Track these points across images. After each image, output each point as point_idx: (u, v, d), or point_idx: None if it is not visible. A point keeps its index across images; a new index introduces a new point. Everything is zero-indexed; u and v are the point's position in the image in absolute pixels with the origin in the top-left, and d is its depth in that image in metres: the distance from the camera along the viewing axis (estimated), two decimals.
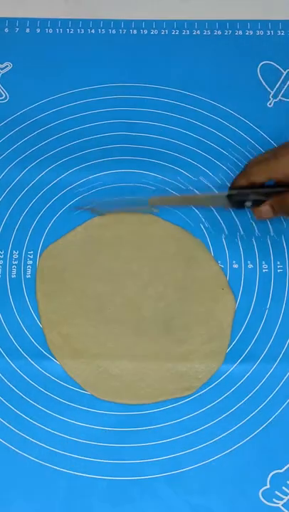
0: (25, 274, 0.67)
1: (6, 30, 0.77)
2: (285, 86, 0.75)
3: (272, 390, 0.63)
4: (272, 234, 0.69)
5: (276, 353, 0.64)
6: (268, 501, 0.60)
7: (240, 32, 0.77)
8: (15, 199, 0.70)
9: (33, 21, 0.78)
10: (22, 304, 0.66)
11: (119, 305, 0.65)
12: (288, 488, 0.60)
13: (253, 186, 0.64)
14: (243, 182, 0.65)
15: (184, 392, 0.62)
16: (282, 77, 0.76)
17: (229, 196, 0.65)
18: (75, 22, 0.78)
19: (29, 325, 0.65)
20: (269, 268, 0.68)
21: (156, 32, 0.77)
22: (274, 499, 0.60)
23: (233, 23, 0.78)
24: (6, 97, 0.75)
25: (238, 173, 0.67)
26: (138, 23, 0.78)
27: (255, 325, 0.65)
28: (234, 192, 0.65)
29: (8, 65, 0.76)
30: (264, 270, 0.68)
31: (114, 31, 0.77)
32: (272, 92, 0.75)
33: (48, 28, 0.77)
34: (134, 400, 0.62)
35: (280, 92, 0.75)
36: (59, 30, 0.77)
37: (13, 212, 0.70)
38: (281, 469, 0.61)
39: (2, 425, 0.62)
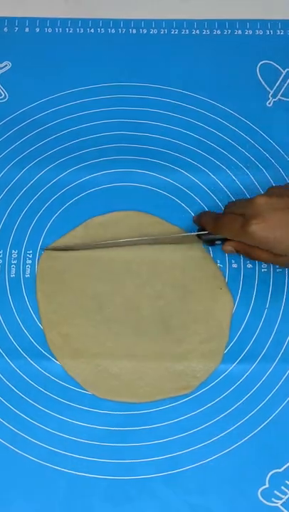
0: (24, 273, 0.67)
1: (6, 29, 0.77)
2: (285, 85, 0.75)
3: (271, 390, 0.63)
4: None
5: (275, 353, 0.64)
6: (267, 501, 0.60)
7: (240, 31, 0.77)
8: (14, 198, 0.70)
9: (33, 21, 0.77)
10: (21, 304, 0.66)
11: (118, 305, 0.65)
12: (287, 488, 0.60)
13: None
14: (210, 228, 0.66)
15: (182, 391, 0.63)
16: (282, 77, 0.76)
17: (198, 235, 0.66)
18: (74, 21, 0.77)
19: (28, 325, 0.65)
20: (268, 268, 0.68)
21: (155, 31, 0.77)
22: (273, 499, 0.60)
23: (232, 23, 0.78)
24: (5, 96, 0.75)
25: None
26: (137, 23, 0.78)
27: (254, 325, 0.65)
28: (202, 233, 0.66)
29: (7, 65, 0.76)
30: (263, 270, 0.68)
31: (113, 31, 0.77)
32: (271, 92, 0.75)
33: (48, 28, 0.77)
34: (133, 399, 0.62)
35: (279, 92, 0.75)
36: (58, 30, 0.77)
37: (12, 212, 0.70)
38: (280, 469, 0.61)
39: (1, 425, 0.62)
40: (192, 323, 0.64)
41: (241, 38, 0.77)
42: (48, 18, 0.77)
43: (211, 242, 0.67)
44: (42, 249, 0.68)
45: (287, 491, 0.60)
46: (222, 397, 0.63)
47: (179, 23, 0.77)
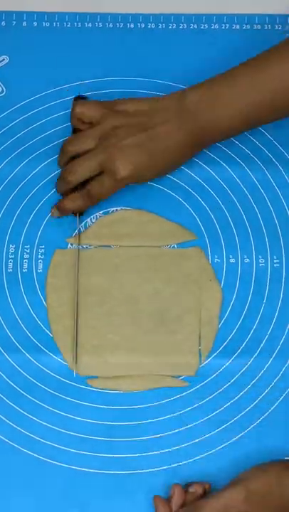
0: (21, 268, 0.67)
1: (3, 23, 0.77)
2: None
3: (268, 385, 0.63)
4: (267, 228, 0.69)
5: (272, 348, 0.64)
6: None
7: (238, 26, 0.77)
8: (11, 193, 0.70)
9: (30, 15, 0.77)
10: (19, 299, 0.66)
11: (118, 299, 0.66)
12: None
13: None
14: (86, 204, 0.68)
15: (179, 383, 0.63)
16: None
17: None
18: (72, 16, 0.77)
19: (26, 319, 0.65)
20: (265, 263, 0.68)
21: (153, 26, 0.77)
22: None
23: (230, 17, 0.77)
24: (2, 90, 0.75)
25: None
26: (135, 17, 0.77)
27: (251, 320, 0.66)
28: None
29: (4, 59, 0.76)
30: (260, 265, 0.68)
31: (111, 25, 0.77)
32: None
33: (45, 22, 0.77)
34: (132, 387, 0.63)
35: None
36: (56, 24, 0.77)
37: (9, 207, 0.70)
38: None
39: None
40: (185, 315, 0.66)
41: (239, 32, 0.77)
42: (45, 12, 0.77)
43: None
44: (40, 246, 0.68)
45: None
46: (219, 391, 0.63)
47: (177, 18, 0.77)
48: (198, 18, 0.77)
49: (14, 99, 0.74)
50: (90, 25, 0.77)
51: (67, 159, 0.68)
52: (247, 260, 0.68)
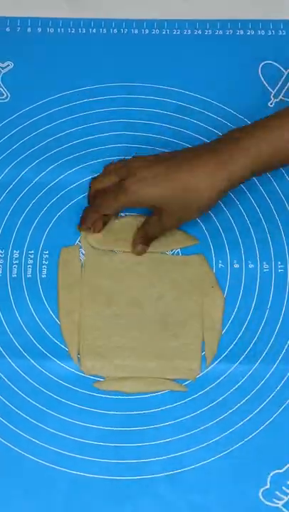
0: (25, 273, 0.67)
1: (8, 29, 0.77)
2: (286, 86, 0.75)
3: (272, 390, 0.63)
4: (271, 233, 0.69)
5: (277, 354, 0.64)
6: (268, 501, 0.60)
7: (242, 32, 0.77)
8: (15, 199, 0.70)
9: (35, 21, 0.78)
10: (23, 305, 0.66)
11: (124, 302, 0.67)
12: (288, 488, 0.60)
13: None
14: (95, 216, 0.68)
15: (180, 388, 0.64)
16: (284, 77, 0.76)
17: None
18: (76, 22, 0.78)
19: (30, 325, 0.65)
20: (269, 268, 0.68)
21: (157, 32, 0.77)
22: (274, 499, 0.60)
23: (234, 23, 0.78)
24: (7, 96, 0.75)
25: None
26: (139, 23, 0.78)
27: (256, 325, 0.65)
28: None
29: (9, 65, 0.76)
30: (265, 270, 0.68)
31: (115, 31, 0.77)
32: (273, 92, 0.75)
33: (50, 28, 0.77)
34: (134, 389, 0.63)
35: (281, 92, 0.75)
36: (60, 30, 0.77)
37: (14, 212, 0.70)
38: (281, 469, 0.61)
39: (3, 425, 0.62)
40: (188, 320, 0.66)
41: (243, 38, 0.77)
42: (50, 18, 0.78)
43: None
44: (43, 249, 0.68)
45: (288, 491, 0.60)
46: (224, 397, 0.63)
47: (181, 23, 0.78)
48: (202, 23, 0.78)
49: (19, 104, 0.74)
50: (94, 31, 0.77)
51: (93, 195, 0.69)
52: (251, 265, 0.68)
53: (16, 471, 0.61)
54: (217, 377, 0.64)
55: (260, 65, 0.76)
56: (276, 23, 0.78)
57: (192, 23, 0.78)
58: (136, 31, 0.77)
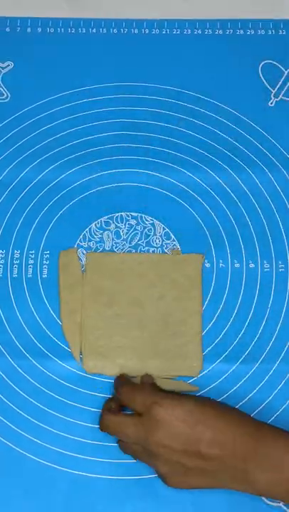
0: (27, 273, 0.67)
1: (8, 29, 0.77)
2: (287, 85, 0.75)
3: (273, 390, 0.63)
4: (272, 233, 0.69)
5: (277, 353, 0.64)
6: (269, 501, 0.60)
7: (242, 31, 0.77)
8: (16, 199, 0.70)
9: (35, 21, 0.77)
10: (24, 304, 0.66)
11: (126, 303, 0.67)
12: None
13: None
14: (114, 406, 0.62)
15: (192, 388, 0.64)
16: (284, 77, 0.76)
17: None
18: (76, 21, 0.77)
19: (31, 325, 0.66)
20: (270, 268, 0.68)
21: (157, 31, 0.77)
22: None
23: (234, 23, 0.78)
24: (7, 96, 0.75)
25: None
26: (139, 23, 0.78)
27: (256, 326, 0.66)
28: None
29: (9, 65, 0.76)
30: (265, 270, 0.68)
31: (115, 31, 0.77)
32: (273, 92, 0.75)
33: (50, 28, 0.77)
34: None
35: (281, 92, 0.75)
36: (60, 30, 0.77)
37: (15, 212, 0.70)
38: None
39: (4, 424, 0.62)
40: (188, 319, 0.66)
41: (243, 37, 0.77)
42: (50, 18, 0.77)
43: None
44: (44, 251, 0.68)
45: None
46: (224, 397, 0.63)
47: (181, 23, 0.77)
48: (202, 23, 0.77)
49: (19, 104, 0.74)
50: (94, 31, 0.77)
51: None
52: (252, 265, 0.68)
53: (17, 470, 0.61)
54: (218, 377, 0.64)
55: (261, 65, 0.76)
56: (276, 22, 0.78)
57: (192, 23, 0.78)
58: (136, 31, 0.77)
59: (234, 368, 0.64)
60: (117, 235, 0.69)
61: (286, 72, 0.76)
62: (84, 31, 0.77)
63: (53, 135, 0.73)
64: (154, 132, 0.73)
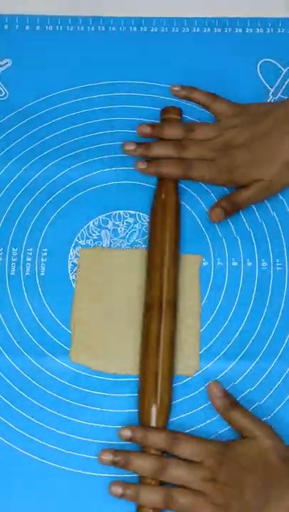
0: (24, 272, 0.67)
1: (6, 27, 0.77)
2: (285, 84, 0.75)
3: (271, 388, 0.63)
4: (270, 231, 0.69)
5: (275, 351, 0.64)
6: None
7: (240, 30, 0.77)
8: (14, 196, 0.70)
9: (33, 18, 0.77)
10: (22, 302, 0.66)
11: (124, 301, 0.67)
12: None
13: None
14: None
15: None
16: (282, 75, 0.76)
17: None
18: (74, 19, 0.78)
19: (29, 323, 0.65)
20: (268, 266, 0.68)
21: (156, 29, 0.77)
22: None
23: (232, 21, 0.78)
24: (5, 94, 0.75)
25: None
26: (138, 21, 0.78)
27: (254, 323, 0.66)
28: None
29: (7, 62, 0.76)
30: (263, 268, 0.68)
31: (114, 29, 0.77)
32: (271, 90, 0.75)
33: (48, 25, 0.77)
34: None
35: (279, 90, 0.75)
36: (59, 28, 0.77)
37: (12, 210, 0.70)
38: None
39: (1, 423, 0.62)
40: (185, 318, 0.66)
41: (242, 36, 0.77)
42: (48, 16, 0.78)
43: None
44: (43, 249, 0.68)
45: None
46: None
47: (180, 21, 0.78)
48: (200, 21, 0.78)
49: (17, 102, 0.74)
50: (92, 28, 0.77)
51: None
52: (249, 263, 0.68)
53: (14, 469, 0.61)
54: (216, 374, 0.64)
55: (259, 63, 0.76)
56: (275, 21, 0.78)
57: (190, 21, 0.78)
58: (134, 29, 0.77)
59: (232, 366, 0.64)
60: (115, 233, 0.69)
61: (284, 71, 0.76)
62: (82, 29, 0.77)
63: (51, 133, 0.73)
64: None
